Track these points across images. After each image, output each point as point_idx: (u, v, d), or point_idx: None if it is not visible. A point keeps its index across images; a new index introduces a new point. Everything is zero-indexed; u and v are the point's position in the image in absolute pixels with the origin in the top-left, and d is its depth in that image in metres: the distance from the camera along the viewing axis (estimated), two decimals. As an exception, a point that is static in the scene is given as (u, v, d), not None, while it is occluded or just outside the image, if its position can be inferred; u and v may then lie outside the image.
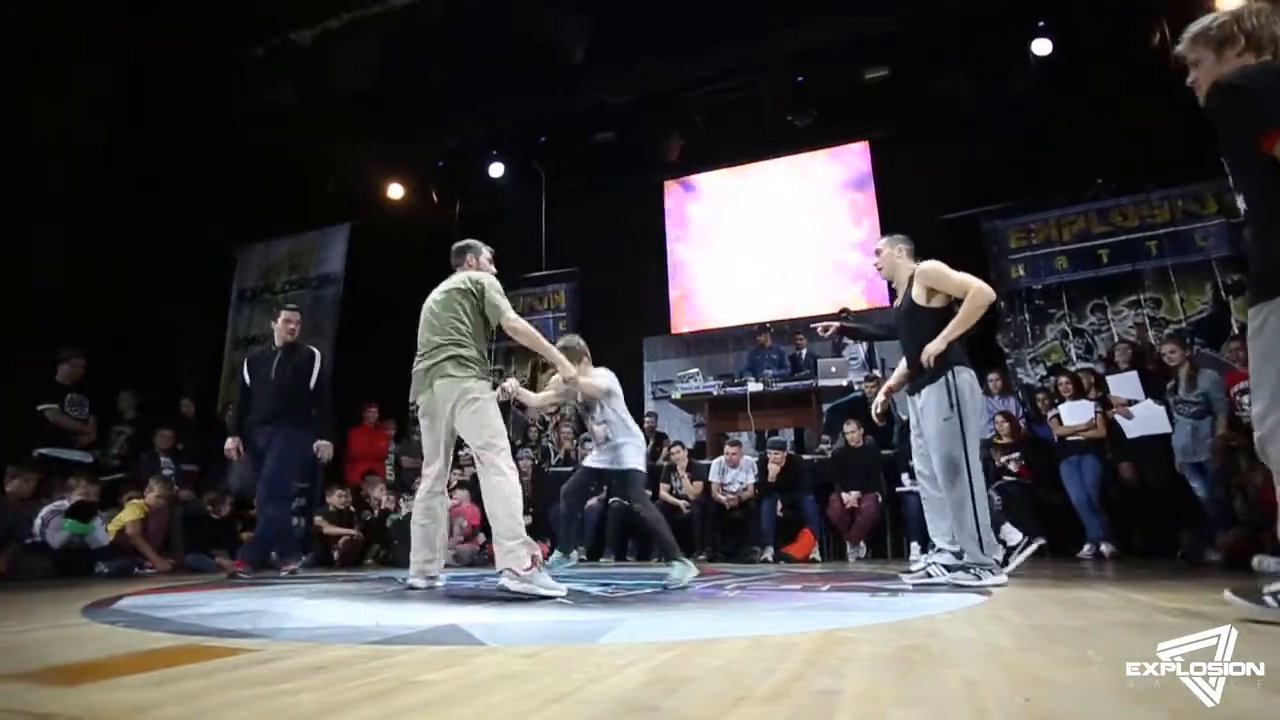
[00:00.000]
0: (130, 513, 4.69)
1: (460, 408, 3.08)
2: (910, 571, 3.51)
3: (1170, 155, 6.59)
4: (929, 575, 3.31)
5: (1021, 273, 7.35)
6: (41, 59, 6.98)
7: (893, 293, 8.44)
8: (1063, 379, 5.92)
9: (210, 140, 8.00)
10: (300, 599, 2.77)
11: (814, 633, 1.77)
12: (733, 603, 2.55)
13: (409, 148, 9.50)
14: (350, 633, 1.85)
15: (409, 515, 5.74)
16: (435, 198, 9.88)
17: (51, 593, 3.28)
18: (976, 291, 3.11)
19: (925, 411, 3.25)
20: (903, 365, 3.59)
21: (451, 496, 6.06)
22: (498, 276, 3.44)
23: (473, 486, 6.26)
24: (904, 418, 6.73)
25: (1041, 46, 7.69)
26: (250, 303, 8.27)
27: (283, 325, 4.70)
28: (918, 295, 3.32)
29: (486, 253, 3.66)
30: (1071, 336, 6.93)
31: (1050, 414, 5.81)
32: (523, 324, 3.26)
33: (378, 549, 5.83)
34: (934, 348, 3.15)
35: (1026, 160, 7.60)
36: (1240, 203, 1.77)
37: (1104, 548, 5.11)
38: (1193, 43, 1.91)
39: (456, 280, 3.34)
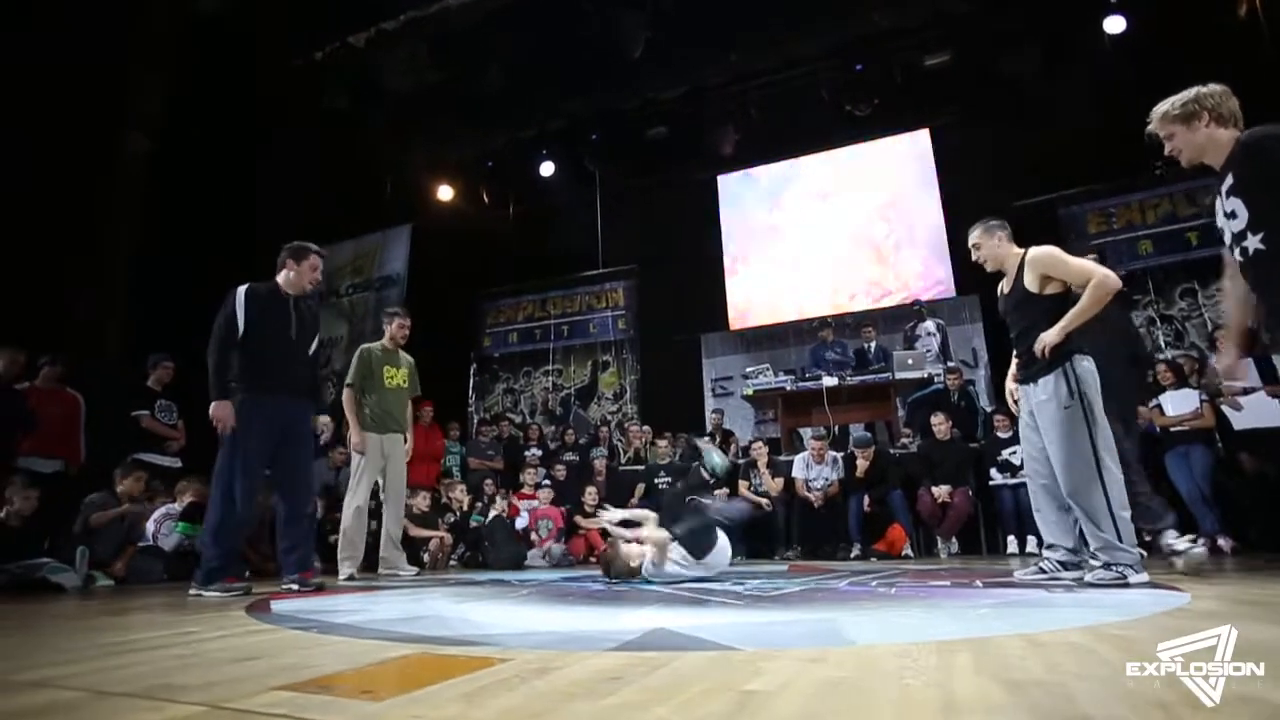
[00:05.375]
0: (227, 517, 4.67)
1: None
2: (1028, 567, 3.36)
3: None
4: (1042, 571, 3.19)
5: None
6: (100, 68, 7.02)
7: (960, 279, 8.24)
8: (1161, 367, 5.71)
9: (271, 145, 8.02)
10: (452, 603, 2.69)
11: (1077, 629, 1.65)
12: (912, 600, 2.43)
13: (461, 148, 9.49)
14: (568, 638, 1.76)
15: (496, 517, 5.74)
16: (486, 198, 9.86)
17: (182, 596, 3.25)
18: (1101, 280, 2.92)
19: (1042, 401, 3.08)
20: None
21: (536, 497, 6.04)
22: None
23: (557, 488, 6.21)
24: (988, 410, 6.59)
25: (1114, 24, 7.48)
26: (318, 305, 8.30)
27: (309, 269, 3.72)
28: (1030, 283, 3.12)
29: (389, 323, 4.89)
30: (1159, 323, 6.70)
31: (1151, 404, 5.61)
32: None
33: (464, 550, 5.77)
34: (1050, 338, 2.97)
35: (1104, 142, 7.36)
36: (1257, 242, 2.07)
37: (1221, 541, 4.91)
38: (1161, 121, 2.34)
39: None
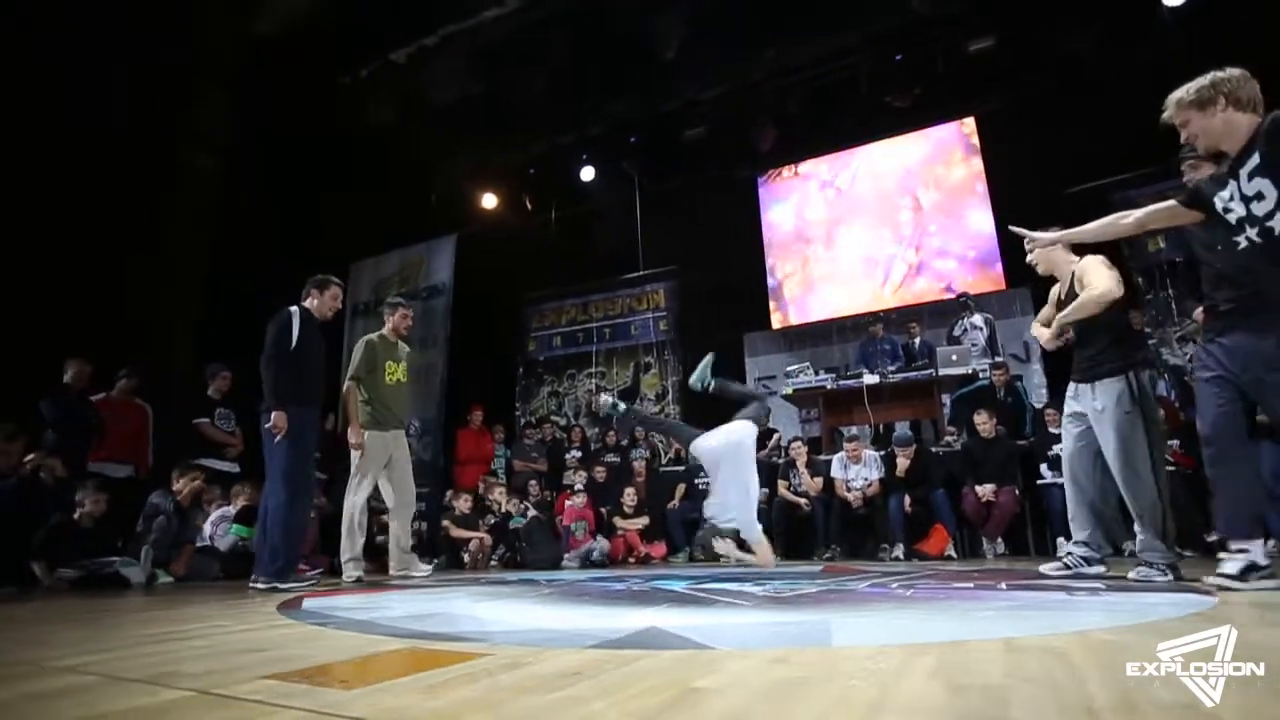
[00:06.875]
0: (280, 519, 4.93)
1: None
2: (1064, 565, 3.30)
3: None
4: (1067, 567, 3.20)
5: (1161, 245, 6.78)
6: (162, 94, 7.48)
7: (1010, 271, 7.93)
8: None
9: (319, 162, 8.38)
10: (471, 601, 2.79)
11: (1065, 634, 1.61)
12: (923, 603, 2.40)
13: (503, 157, 9.71)
14: (558, 636, 1.82)
15: (535, 518, 5.87)
16: (529, 205, 10.05)
17: (230, 593, 3.46)
18: (1098, 288, 3.01)
19: (1103, 403, 3.08)
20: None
21: (572, 498, 6.14)
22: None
23: (592, 490, 6.30)
24: (1038, 406, 6.35)
25: (1171, -3, 7.10)
26: (364, 316, 8.63)
27: (330, 299, 4.09)
28: (1081, 290, 3.18)
29: (391, 314, 4.84)
30: (1226, 311, 6.32)
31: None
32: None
33: (503, 551, 5.92)
34: (1039, 332, 3.40)
35: (1160, 123, 6.99)
36: None
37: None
38: (1177, 107, 2.34)
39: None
